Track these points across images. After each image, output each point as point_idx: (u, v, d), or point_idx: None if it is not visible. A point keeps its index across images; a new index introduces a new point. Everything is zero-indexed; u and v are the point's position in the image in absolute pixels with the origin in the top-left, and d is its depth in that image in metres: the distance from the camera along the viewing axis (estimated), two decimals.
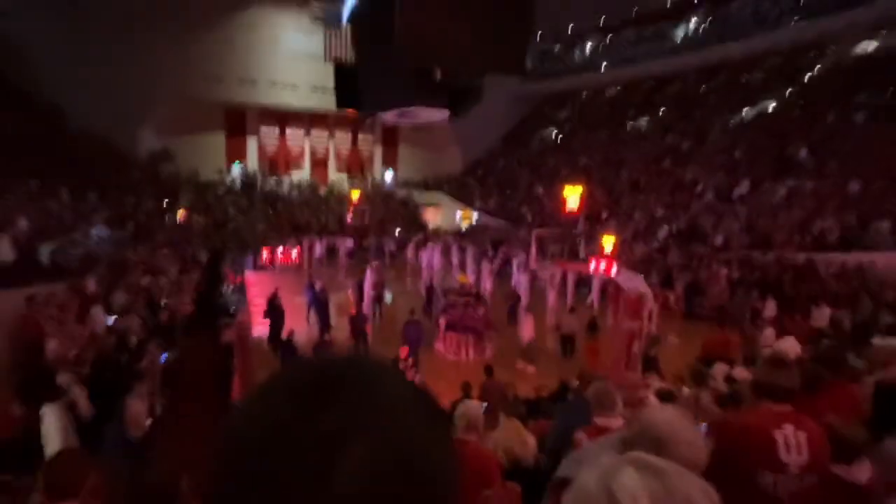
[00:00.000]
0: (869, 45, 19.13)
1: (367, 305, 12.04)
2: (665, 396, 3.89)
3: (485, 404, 3.36)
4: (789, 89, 20.53)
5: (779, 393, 1.91)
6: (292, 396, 0.39)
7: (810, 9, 19.95)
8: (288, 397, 0.39)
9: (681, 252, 15.45)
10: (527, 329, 10.14)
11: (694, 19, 25.82)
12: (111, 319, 7.97)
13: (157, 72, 21.71)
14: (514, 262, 17.07)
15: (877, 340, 4.24)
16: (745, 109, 21.36)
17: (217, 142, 26.79)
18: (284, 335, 9.81)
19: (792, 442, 1.77)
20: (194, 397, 5.76)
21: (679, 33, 26.16)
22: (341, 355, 0.45)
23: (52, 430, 4.84)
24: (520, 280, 13.95)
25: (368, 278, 11.99)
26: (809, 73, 20.67)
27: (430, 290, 13.31)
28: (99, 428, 4.98)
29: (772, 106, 20.51)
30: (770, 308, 9.67)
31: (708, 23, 24.95)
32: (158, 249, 14.72)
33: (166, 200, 20.80)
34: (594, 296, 13.84)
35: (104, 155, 20.81)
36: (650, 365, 5.49)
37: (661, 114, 25.22)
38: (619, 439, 1.52)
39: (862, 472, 1.94)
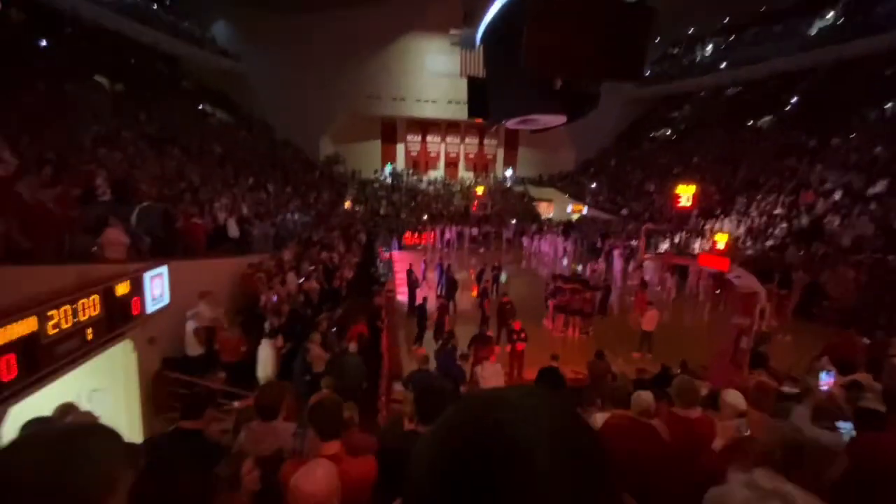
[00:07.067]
0: None
1: (488, 283, 12.16)
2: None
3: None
4: None
5: None
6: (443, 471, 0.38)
7: None
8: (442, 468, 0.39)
9: (801, 251, 12.99)
10: (648, 320, 9.17)
11: (831, 13, 21.17)
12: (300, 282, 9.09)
13: (333, 94, 24.02)
14: (617, 253, 15.95)
15: None
16: (887, 105, 17.06)
17: (374, 147, 28.87)
18: (418, 301, 10.31)
19: None
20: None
21: (812, 29, 21.65)
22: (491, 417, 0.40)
23: (265, 359, 5.71)
24: (629, 270, 12.88)
25: (488, 260, 12.05)
26: None
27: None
28: (289, 363, 5.76)
29: None
30: None
31: (846, 16, 20.23)
32: (332, 231, 16.29)
33: (338, 194, 23.04)
34: (702, 288, 12.39)
35: (297, 159, 23.73)
36: (759, 361, 4.75)
37: (786, 111, 21.25)
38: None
39: None
